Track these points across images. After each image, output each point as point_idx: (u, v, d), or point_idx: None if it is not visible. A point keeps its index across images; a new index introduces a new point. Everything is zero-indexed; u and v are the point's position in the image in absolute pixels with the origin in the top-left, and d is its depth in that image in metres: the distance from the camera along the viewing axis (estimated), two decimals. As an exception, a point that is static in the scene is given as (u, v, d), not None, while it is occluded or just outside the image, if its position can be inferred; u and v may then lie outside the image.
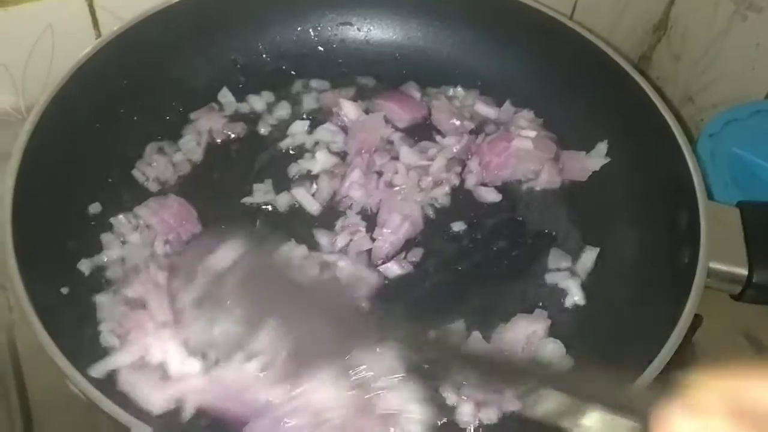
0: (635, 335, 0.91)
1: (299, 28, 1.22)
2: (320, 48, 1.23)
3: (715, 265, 0.91)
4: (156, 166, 1.08)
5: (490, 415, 0.91)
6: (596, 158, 1.11)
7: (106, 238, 1.00)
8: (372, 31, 1.24)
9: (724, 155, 1.22)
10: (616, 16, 1.46)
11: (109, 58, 1.05)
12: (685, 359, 1.04)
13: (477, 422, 0.90)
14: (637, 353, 0.85)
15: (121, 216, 1.01)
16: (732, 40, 1.36)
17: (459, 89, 1.20)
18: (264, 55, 1.21)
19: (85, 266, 0.97)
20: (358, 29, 1.24)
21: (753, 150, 1.22)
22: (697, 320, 1.04)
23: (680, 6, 1.45)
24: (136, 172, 1.08)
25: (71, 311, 0.90)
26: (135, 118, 1.10)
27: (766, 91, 1.34)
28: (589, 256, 1.04)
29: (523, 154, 1.10)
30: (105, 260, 0.98)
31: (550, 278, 1.03)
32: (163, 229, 1.00)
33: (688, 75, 1.47)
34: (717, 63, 1.40)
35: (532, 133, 1.10)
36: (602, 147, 1.11)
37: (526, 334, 0.96)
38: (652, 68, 1.57)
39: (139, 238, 0.99)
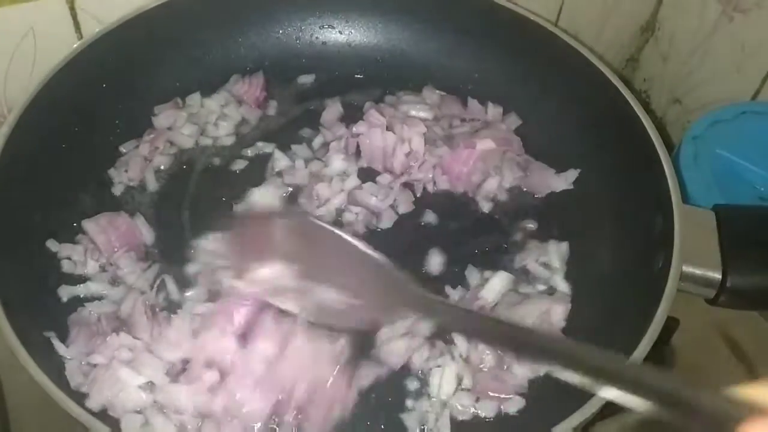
0: (609, 339, 0.91)
1: (281, 32, 1.22)
2: (302, 51, 1.23)
3: (688, 269, 0.90)
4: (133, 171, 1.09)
5: (486, 410, 0.91)
6: (561, 181, 1.11)
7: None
8: (353, 34, 1.24)
9: (708, 157, 1.21)
10: (603, 18, 1.45)
11: (89, 61, 1.06)
12: (663, 362, 1.05)
13: (471, 412, 0.91)
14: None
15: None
16: (719, 42, 1.36)
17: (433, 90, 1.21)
18: (245, 59, 1.21)
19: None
20: (340, 32, 1.24)
21: (737, 151, 1.22)
22: (673, 323, 1.05)
23: (667, 7, 1.45)
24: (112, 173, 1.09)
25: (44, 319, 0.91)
26: (116, 121, 1.10)
27: (752, 93, 1.34)
28: (559, 249, 1.05)
29: (488, 154, 1.10)
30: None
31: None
32: (106, 248, 0.99)
33: (676, 76, 1.47)
34: (704, 64, 1.40)
35: (490, 143, 1.10)
36: (572, 174, 1.11)
37: (540, 311, 0.96)
38: (640, 70, 1.57)
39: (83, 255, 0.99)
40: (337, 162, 1.11)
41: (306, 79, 1.21)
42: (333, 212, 1.07)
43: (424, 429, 0.90)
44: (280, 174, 1.10)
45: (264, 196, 1.07)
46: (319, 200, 1.07)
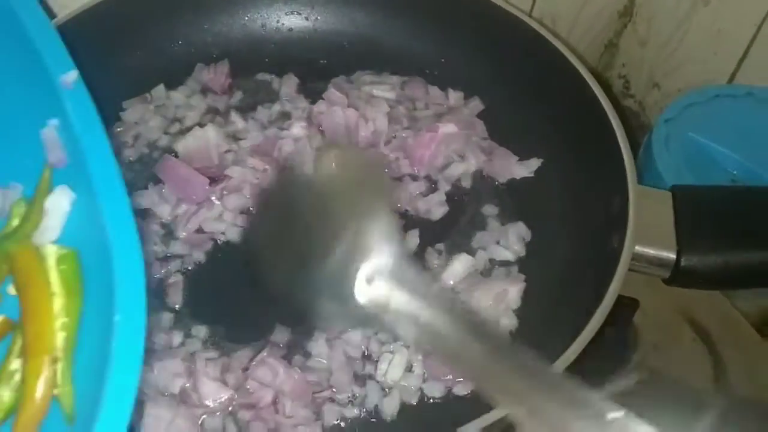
0: (562, 318, 0.92)
1: (246, 18, 1.22)
2: (268, 37, 1.23)
3: (642, 249, 0.90)
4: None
5: (433, 391, 0.92)
6: (523, 169, 1.10)
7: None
8: (319, 20, 1.24)
9: (680, 140, 1.22)
10: (581, 3, 1.45)
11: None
12: (627, 342, 1.05)
13: (418, 394, 0.92)
14: (562, 336, 0.85)
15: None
16: (695, 26, 1.36)
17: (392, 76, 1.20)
18: (211, 46, 1.21)
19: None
20: (306, 18, 1.24)
21: (710, 134, 1.23)
22: (633, 304, 1.05)
23: (645, -9, 1.45)
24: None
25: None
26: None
27: (728, 76, 1.33)
28: (518, 231, 1.05)
29: (451, 138, 1.10)
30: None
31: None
32: None
33: (654, 61, 1.47)
34: (681, 48, 1.40)
35: (453, 127, 1.10)
36: (534, 162, 1.11)
37: (496, 291, 0.96)
38: (619, 55, 1.56)
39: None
40: (298, 129, 1.11)
41: (265, 77, 1.21)
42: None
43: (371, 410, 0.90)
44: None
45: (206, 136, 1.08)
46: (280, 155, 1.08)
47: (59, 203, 0.70)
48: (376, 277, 0.65)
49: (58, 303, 0.64)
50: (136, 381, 0.53)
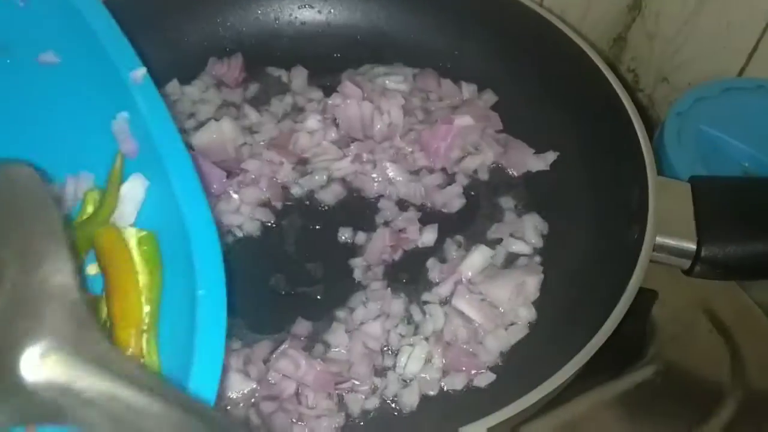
0: (582, 310, 0.92)
1: (259, 12, 1.22)
2: (281, 31, 1.23)
3: (663, 240, 0.90)
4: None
5: (454, 383, 0.91)
6: (539, 162, 1.10)
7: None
8: (332, 13, 1.24)
9: (693, 133, 1.22)
10: (590, -3, 1.45)
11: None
12: (645, 334, 1.05)
13: (439, 386, 0.91)
14: (582, 328, 0.85)
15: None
16: (704, 19, 1.35)
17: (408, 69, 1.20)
18: (224, 40, 1.21)
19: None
20: (319, 12, 1.24)
21: (721, 127, 1.23)
22: (651, 296, 1.05)
23: (654, -15, 1.45)
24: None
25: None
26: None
27: (738, 69, 1.33)
28: (535, 223, 1.05)
29: (466, 130, 1.09)
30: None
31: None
32: None
33: (663, 55, 1.47)
34: (690, 42, 1.40)
35: (468, 119, 1.09)
36: (550, 155, 1.10)
37: (516, 283, 0.96)
38: (628, 49, 1.56)
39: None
40: (313, 122, 1.10)
41: (278, 71, 1.20)
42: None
43: (391, 402, 0.90)
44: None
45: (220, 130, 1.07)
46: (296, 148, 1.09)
47: (135, 189, 0.74)
48: (51, 352, 0.49)
49: (141, 280, 0.68)
50: (223, 347, 0.57)
